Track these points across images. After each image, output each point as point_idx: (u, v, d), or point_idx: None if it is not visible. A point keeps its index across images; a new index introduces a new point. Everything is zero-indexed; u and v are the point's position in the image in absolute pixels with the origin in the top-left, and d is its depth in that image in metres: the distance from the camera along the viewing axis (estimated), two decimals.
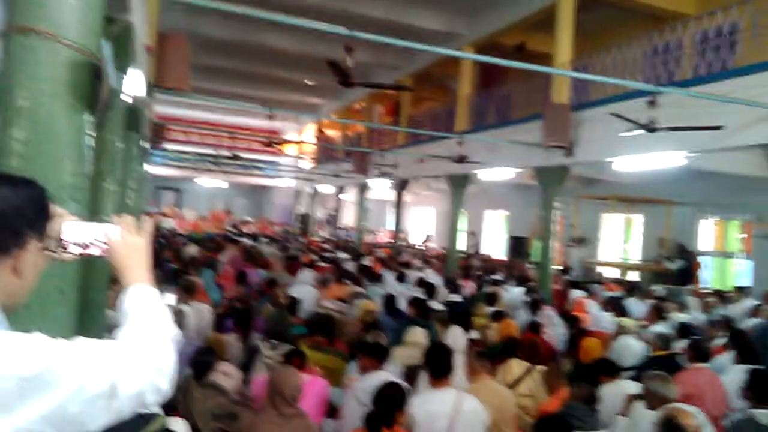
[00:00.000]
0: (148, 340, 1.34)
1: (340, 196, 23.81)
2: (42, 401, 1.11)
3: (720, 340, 7.33)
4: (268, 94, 23.62)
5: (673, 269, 13.51)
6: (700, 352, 5.50)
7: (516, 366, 5.53)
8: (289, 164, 29.54)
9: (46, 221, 1.36)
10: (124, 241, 1.51)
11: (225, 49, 17.91)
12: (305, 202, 28.86)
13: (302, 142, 22.01)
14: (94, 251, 1.49)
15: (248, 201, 36.40)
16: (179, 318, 5.62)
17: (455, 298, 9.67)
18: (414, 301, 7.59)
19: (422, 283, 10.18)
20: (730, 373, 5.51)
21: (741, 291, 10.74)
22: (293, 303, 7.30)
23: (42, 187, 1.34)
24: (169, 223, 26.13)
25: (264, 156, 29.92)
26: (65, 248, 1.46)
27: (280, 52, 17.57)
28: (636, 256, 16.02)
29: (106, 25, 2.93)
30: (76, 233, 1.47)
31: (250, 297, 8.16)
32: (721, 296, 10.61)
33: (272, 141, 11.84)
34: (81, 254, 1.49)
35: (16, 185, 1.29)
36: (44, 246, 1.35)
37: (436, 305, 8.29)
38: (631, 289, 11.38)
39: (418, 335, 5.91)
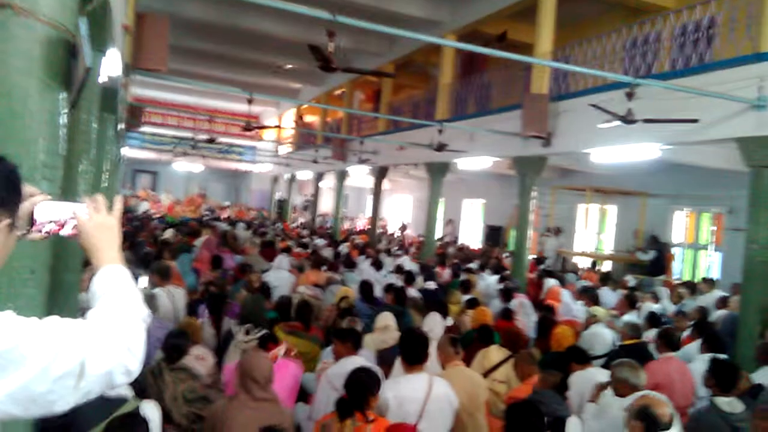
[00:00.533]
0: (118, 321, 1.33)
1: (319, 183, 23.74)
2: (7, 379, 1.11)
3: (690, 330, 7.46)
4: (248, 78, 23.41)
5: (645, 260, 13.70)
6: (670, 341, 5.60)
7: (495, 353, 5.60)
8: (268, 149, 29.39)
9: (17, 199, 1.33)
10: (95, 221, 1.49)
11: (205, 31, 17.68)
12: (283, 187, 28.71)
13: (281, 127, 21.83)
14: (66, 231, 1.48)
15: (225, 186, 36.14)
16: (152, 302, 5.59)
17: (431, 285, 9.73)
18: (389, 288, 7.62)
19: (399, 269, 10.24)
20: (697, 362, 5.62)
21: (709, 283, 10.93)
22: (266, 288, 7.29)
23: (13, 165, 1.31)
24: (143, 206, 25.89)
25: (242, 141, 29.71)
26: (36, 227, 1.44)
27: (261, 35, 17.39)
28: (610, 246, 16.23)
29: (82, 2, 2.88)
30: (47, 213, 1.45)
31: (225, 282, 8.12)
32: (692, 287, 10.80)
33: (251, 126, 11.75)
34: (52, 234, 1.48)
35: None
36: (14, 224, 1.32)
37: (411, 292, 8.34)
38: (604, 279, 11.53)
39: (387, 319, 5.94)
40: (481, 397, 4.56)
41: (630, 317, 7.85)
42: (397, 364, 4.64)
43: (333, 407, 3.65)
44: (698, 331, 6.78)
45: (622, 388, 4.21)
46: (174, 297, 6.55)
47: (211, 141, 16.01)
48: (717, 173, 11.81)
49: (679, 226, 14.67)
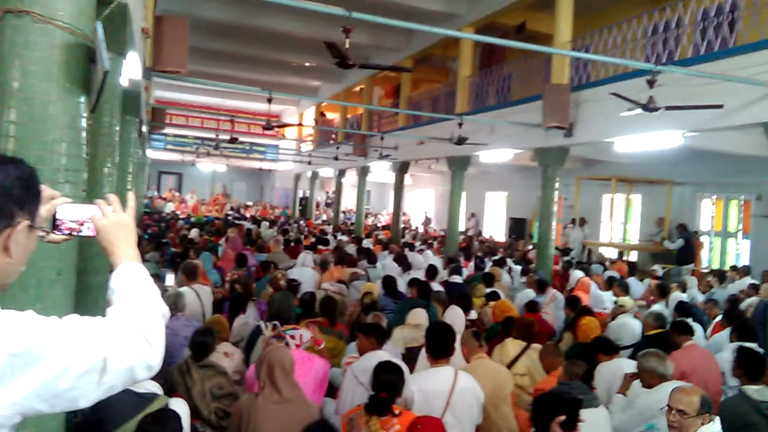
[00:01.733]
0: (138, 316, 1.36)
1: (341, 179, 23.80)
2: (32, 376, 1.14)
3: (720, 319, 7.36)
4: (268, 77, 23.52)
5: (672, 249, 13.53)
6: (683, 328, 5.51)
7: (512, 345, 5.57)
8: (290, 148, 29.56)
9: (36, 201, 1.36)
10: (110, 220, 1.51)
11: (223, 32, 17.80)
12: (306, 185, 28.85)
13: (302, 125, 21.94)
14: (84, 232, 1.51)
15: (249, 185, 36.43)
16: (179, 300, 5.66)
17: (456, 279, 9.70)
18: (413, 282, 7.63)
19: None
20: (727, 351, 5.54)
21: (739, 270, 10.77)
22: (293, 285, 7.33)
23: (31, 167, 1.34)
24: (169, 207, 26.23)
25: (264, 140, 29.92)
26: (56, 229, 1.48)
27: (279, 34, 17.46)
28: (636, 236, 16.04)
29: (100, 7, 2.92)
30: (66, 214, 1.49)
31: (250, 280, 8.19)
32: (721, 276, 10.65)
33: (272, 124, 11.81)
34: (72, 235, 1.51)
35: (4, 165, 1.29)
36: (34, 226, 1.35)
37: (435, 286, 8.33)
38: (631, 269, 11.40)
39: (420, 317, 5.95)
40: (506, 388, 4.56)
41: (659, 307, 7.76)
42: (422, 357, 4.64)
43: (359, 401, 3.67)
44: (728, 320, 6.68)
45: (649, 378, 4.17)
46: (201, 295, 6.62)
47: (233, 141, 16.11)
48: (744, 159, 11.61)
49: (707, 213, 14.45)
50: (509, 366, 5.32)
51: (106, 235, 1.50)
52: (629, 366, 4.70)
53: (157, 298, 1.45)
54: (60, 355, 1.17)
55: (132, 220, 1.56)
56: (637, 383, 4.33)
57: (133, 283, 1.44)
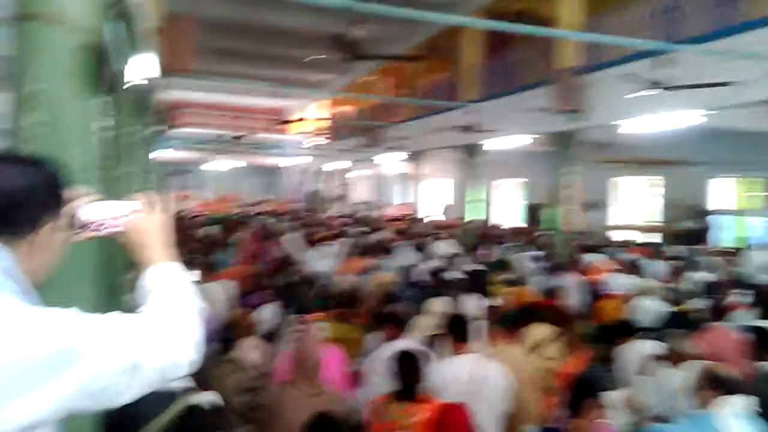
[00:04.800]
0: (174, 315, 1.36)
1: (354, 171, 23.79)
2: (76, 373, 1.14)
3: (736, 297, 7.29)
4: (277, 73, 23.48)
5: (689, 229, 13.41)
6: (719, 310, 5.49)
7: (540, 330, 5.56)
8: (302, 142, 29.59)
9: (60, 202, 1.35)
10: (144, 219, 1.50)
11: (230, 29, 17.81)
12: (318, 178, 28.86)
13: (315, 119, 21.95)
14: (115, 230, 1.49)
15: (262, 181, 36.51)
16: (203, 296, 5.70)
17: (476, 266, 9.68)
18: (431, 271, 7.64)
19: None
20: None
21: (756, 248, 10.68)
22: (310, 277, 7.36)
23: (55, 167, 1.34)
24: (187, 205, 26.42)
25: (277, 135, 29.97)
26: (84, 228, 1.46)
27: (285, 30, 17.46)
28: (652, 217, 15.92)
29: (110, 7, 2.94)
30: (94, 213, 1.47)
31: (268, 273, 8.23)
32: (738, 254, 10.56)
33: (283, 120, 11.83)
34: (101, 234, 1.50)
35: (28, 165, 1.30)
36: (61, 226, 1.35)
37: (455, 274, 8.33)
38: (649, 251, 11.33)
39: (438, 304, 5.97)
40: (524, 372, 4.55)
41: (677, 287, 7.72)
42: (443, 346, 4.65)
43: (380, 391, 3.70)
44: (750, 298, 6.62)
45: (677, 359, 4.16)
46: (223, 290, 6.68)
47: (242, 138, 16.17)
48: (757, 137, 11.49)
49: (722, 192, 14.31)
50: (536, 350, 5.32)
51: (138, 234, 1.50)
52: (650, 347, 4.69)
53: (194, 295, 1.46)
54: (102, 351, 1.18)
55: (168, 222, 1.55)
56: (665, 365, 4.31)
57: (168, 282, 1.44)
